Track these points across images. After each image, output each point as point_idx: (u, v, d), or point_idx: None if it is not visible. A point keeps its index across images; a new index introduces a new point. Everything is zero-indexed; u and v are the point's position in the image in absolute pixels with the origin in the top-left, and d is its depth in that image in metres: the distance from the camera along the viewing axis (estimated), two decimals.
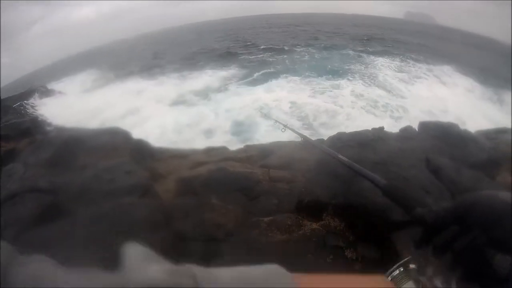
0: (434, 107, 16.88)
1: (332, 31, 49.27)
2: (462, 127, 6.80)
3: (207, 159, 6.73)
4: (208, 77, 22.15)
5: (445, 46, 42.56)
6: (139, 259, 0.47)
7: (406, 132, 6.02)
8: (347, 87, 19.21)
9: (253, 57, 29.48)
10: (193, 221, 4.48)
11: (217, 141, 10.81)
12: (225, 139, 11.97)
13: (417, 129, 6.50)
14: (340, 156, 1.39)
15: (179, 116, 15.54)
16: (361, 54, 29.55)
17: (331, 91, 18.29)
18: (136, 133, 7.45)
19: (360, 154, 4.93)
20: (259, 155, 6.86)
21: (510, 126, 10.29)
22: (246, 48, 34.10)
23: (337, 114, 15.01)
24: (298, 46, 33.19)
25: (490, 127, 12.32)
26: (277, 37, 42.32)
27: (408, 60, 28.32)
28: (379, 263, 3.74)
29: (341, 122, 13.86)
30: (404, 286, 0.75)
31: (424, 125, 6.42)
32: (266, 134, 11.74)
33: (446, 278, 0.72)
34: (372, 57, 28.30)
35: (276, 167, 5.94)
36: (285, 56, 28.70)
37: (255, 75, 22.49)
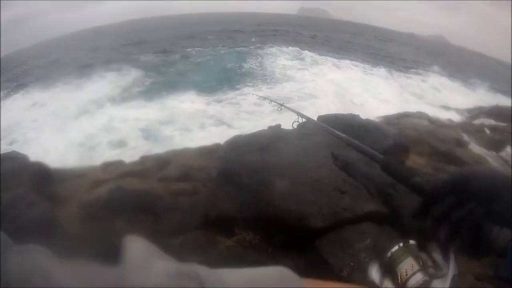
0: (336, 94, 17.04)
1: (224, 29, 48.63)
2: (364, 113, 6.97)
3: (105, 176, 6.21)
4: (103, 86, 20.83)
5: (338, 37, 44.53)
6: (141, 255, 0.45)
7: (305, 129, 5.91)
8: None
9: (148, 60, 27.83)
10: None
11: (116, 154, 10.08)
12: (123, 151, 11.21)
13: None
14: (338, 133, 1.35)
15: (76, 130, 14.42)
16: (255, 51, 29.03)
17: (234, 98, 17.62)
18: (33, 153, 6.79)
19: (263, 160, 4.65)
20: (156, 166, 6.46)
21: (410, 110, 10.94)
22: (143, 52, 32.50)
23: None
24: (195, 48, 31.98)
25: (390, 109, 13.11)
26: (171, 39, 40.96)
27: (303, 51, 28.67)
28: (306, 272, 3.54)
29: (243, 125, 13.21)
30: (404, 261, 0.73)
31: (323, 119, 6.17)
32: (165, 142, 11.20)
33: (444, 250, 0.72)
34: (267, 52, 28.13)
35: (175, 179, 5.63)
36: (178, 60, 27.24)
37: (149, 83, 21.27)
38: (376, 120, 8.62)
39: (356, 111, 14.10)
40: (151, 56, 28.19)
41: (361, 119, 6.41)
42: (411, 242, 0.76)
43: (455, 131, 9.05)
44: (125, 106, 16.33)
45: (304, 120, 2.15)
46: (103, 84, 20.62)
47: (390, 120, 9.36)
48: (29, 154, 6.48)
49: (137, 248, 0.45)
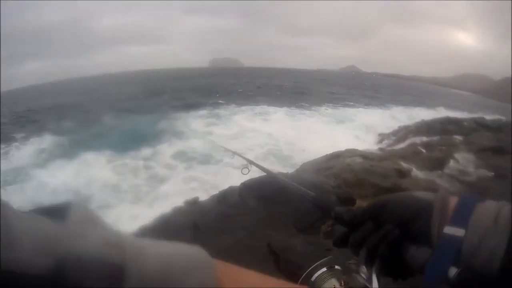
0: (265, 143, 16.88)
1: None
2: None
3: None
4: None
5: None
6: (82, 220, 0.44)
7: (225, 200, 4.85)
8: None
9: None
10: None
11: None
12: None
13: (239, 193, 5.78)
14: (280, 177, 1.36)
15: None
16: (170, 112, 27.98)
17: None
18: None
19: None
20: None
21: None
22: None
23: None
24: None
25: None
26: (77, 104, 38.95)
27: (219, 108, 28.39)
28: None
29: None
30: (327, 282, 0.77)
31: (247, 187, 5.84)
32: None
33: (367, 272, 0.75)
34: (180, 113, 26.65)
35: None
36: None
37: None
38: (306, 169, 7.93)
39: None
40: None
41: (280, 179, 5.59)
42: (336, 267, 0.79)
43: (392, 161, 8.49)
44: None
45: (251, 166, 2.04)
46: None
47: (321, 165, 8.51)
48: None
49: (80, 214, 0.44)
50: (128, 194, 12.32)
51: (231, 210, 5.44)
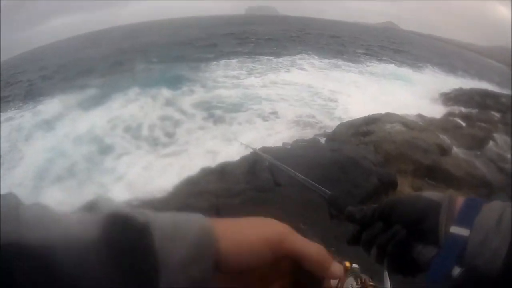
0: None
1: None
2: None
3: None
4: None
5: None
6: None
7: None
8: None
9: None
10: None
11: None
12: None
13: None
14: (289, 169, 1.31)
15: None
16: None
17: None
18: None
19: None
20: None
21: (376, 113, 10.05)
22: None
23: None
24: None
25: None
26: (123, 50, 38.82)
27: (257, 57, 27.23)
28: None
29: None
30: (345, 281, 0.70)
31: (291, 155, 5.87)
32: None
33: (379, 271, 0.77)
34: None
35: None
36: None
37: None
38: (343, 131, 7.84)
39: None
40: None
41: (333, 155, 5.63)
42: (354, 265, 0.70)
43: (434, 134, 8.23)
44: None
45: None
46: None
47: (359, 128, 8.41)
48: None
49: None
50: (147, 141, 12.63)
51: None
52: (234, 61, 25.58)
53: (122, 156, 11.45)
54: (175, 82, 20.05)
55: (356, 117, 10.10)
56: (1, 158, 12.44)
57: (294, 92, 17.02)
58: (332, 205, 0.98)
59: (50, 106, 18.40)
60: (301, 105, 14.99)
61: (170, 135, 12.94)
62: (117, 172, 10.47)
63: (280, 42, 36.30)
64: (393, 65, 25.81)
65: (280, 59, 25.69)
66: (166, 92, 17.39)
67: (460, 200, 0.75)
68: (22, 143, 14.24)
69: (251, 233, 0.58)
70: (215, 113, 14.61)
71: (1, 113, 18.33)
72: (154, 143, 12.40)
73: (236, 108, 15.10)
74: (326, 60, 25.25)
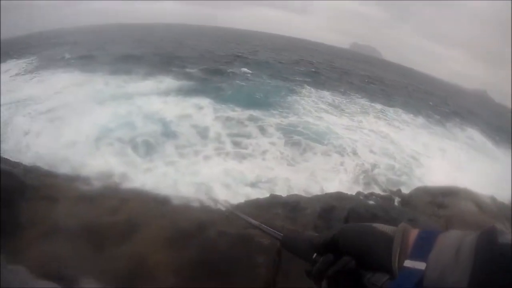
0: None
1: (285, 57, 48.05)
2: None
3: None
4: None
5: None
6: None
7: None
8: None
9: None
10: None
11: None
12: None
13: None
14: (249, 219, 1.36)
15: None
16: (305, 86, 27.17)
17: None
18: None
19: None
20: None
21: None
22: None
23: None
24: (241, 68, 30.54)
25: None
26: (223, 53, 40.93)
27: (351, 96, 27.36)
28: None
29: None
30: None
31: None
32: None
33: None
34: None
35: None
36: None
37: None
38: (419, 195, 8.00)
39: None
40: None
41: None
42: None
43: (503, 225, 7.91)
44: None
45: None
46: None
47: (435, 198, 8.60)
48: None
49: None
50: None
51: None
52: (328, 93, 25.98)
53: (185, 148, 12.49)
54: (267, 99, 21.18)
55: (434, 184, 10.21)
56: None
57: (378, 141, 17.18)
58: (284, 246, 1.03)
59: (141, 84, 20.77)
60: (382, 155, 15.08)
61: (237, 143, 13.59)
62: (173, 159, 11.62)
63: (376, 86, 36.23)
64: (481, 136, 24.83)
65: (372, 104, 25.78)
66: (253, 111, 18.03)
67: (413, 232, 0.74)
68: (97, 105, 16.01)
69: None
70: (293, 137, 15.08)
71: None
72: (217, 146, 13.14)
73: (317, 138, 15.40)
74: (417, 117, 24.97)
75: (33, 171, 7.27)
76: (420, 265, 0.66)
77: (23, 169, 6.89)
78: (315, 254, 0.87)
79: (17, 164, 7.29)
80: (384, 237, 0.76)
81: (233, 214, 1.92)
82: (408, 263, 0.69)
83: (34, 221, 5.33)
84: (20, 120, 14.34)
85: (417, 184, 11.47)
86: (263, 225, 1.17)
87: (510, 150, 21.71)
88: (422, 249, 0.69)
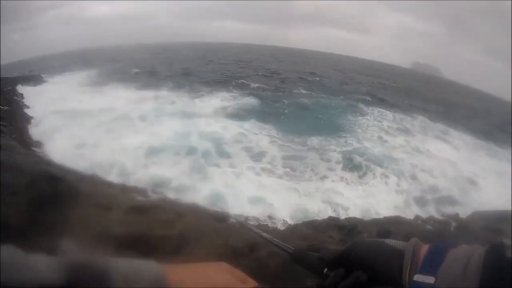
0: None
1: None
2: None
3: None
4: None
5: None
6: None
7: None
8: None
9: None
10: None
11: None
12: None
13: None
14: (258, 231, 1.44)
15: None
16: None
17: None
18: None
19: None
20: None
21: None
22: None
23: None
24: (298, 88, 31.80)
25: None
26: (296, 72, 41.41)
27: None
28: None
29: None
30: None
31: None
32: None
33: None
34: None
35: None
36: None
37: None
38: (475, 219, 8.00)
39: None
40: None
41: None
42: None
43: None
44: None
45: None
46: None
47: (491, 223, 8.46)
48: None
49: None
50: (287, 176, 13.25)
51: None
52: (389, 113, 26.04)
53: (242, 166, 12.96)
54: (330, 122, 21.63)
55: (490, 209, 9.88)
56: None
57: (437, 162, 16.89)
58: (294, 260, 1.04)
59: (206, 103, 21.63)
60: (440, 177, 14.91)
61: (291, 167, 13.85)
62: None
63: (436, 106, 35.19)
64: None
65: (432, 124, 25.28)
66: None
67: (424, 248, 0.76)
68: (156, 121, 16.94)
69: (202, 280, 0.71)
70: (354, 159, 15.22)
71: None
72: (269, 169, 13.40)
73: (376, 161, 15.41)
74: (477, 138, 24.13)
75: (87, 178, 7.46)
76: (430, 279, 0.68)
77: (77, 176, 6.95)
78: (326, 269, 0.91)
79: (71, 171, 7.20)
80: (395, 252, 0.78)
81: (244, 227, 1.92)
82: (418, 277, 0.70)
83: (84, 227, 5.42)
84: (75, 128, 15.28)
85: (475, 207, 11.33)
86: (275, 239, 1.18)
87: None
88: (432, 263, 0.71)
